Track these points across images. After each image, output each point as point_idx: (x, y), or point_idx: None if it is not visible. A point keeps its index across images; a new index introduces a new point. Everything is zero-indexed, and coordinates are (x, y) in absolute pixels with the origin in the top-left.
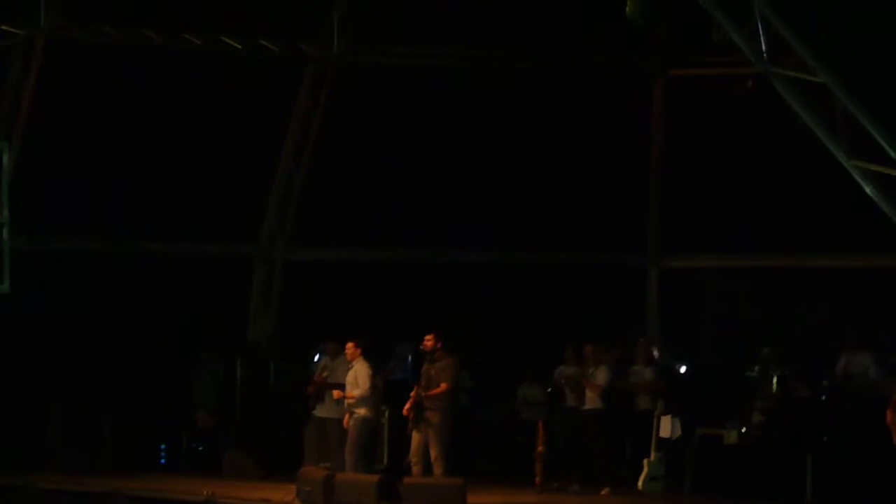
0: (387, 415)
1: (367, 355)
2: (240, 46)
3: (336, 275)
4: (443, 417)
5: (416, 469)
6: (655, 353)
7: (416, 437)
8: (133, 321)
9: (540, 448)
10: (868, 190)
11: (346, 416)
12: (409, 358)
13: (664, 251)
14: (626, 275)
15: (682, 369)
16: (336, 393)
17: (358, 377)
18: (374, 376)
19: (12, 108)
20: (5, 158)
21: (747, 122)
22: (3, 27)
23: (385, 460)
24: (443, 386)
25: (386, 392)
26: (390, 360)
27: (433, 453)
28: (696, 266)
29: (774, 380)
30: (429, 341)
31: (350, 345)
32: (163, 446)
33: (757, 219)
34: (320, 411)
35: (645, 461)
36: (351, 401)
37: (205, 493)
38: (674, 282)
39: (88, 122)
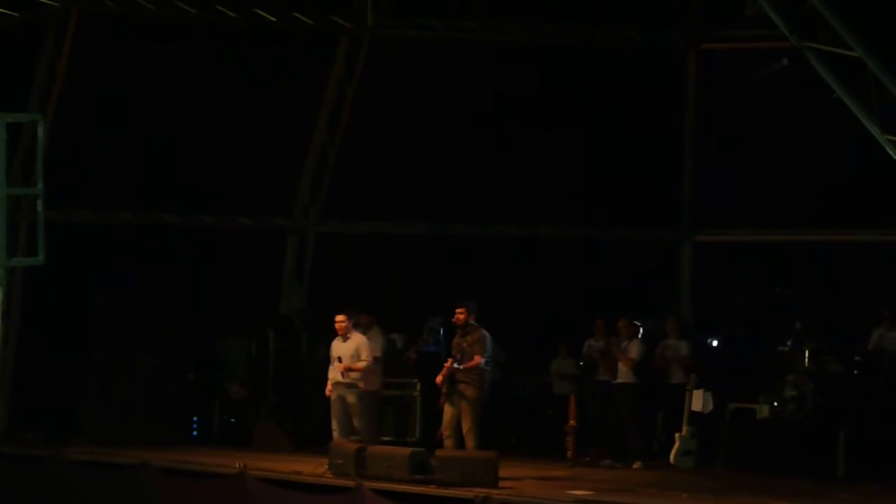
0: (419, 388)
1: (385, 328)
2: (274, 19)
3: (368, 247)
4: (476, 391)
5: (448, 442)
6: (684, 327)
7: (448, 410)
8: (166, 294)
9: (572, 422)
10: None
11: (329, 385)
12: (441, 331)
13: (697, 226)
14: (659, 249)
15: (715, 343)
16: (339, 366)
17: (359, 350)
18: (375, 348)
19: (47, 80)
20: (40, 131)
21: (781, 97)
22: None
23: (417, 433)
24: (476, 359)
25: (418, 365)
26: (422, 332)
27: (465, 426)
28: (729, 240)
29: (807, 354)
30: (461, 314)
31: (340, 318)
32: (195, 419)
33: (791, 193)
34: None
35: (677, 435)
36: (355, 375)
37: (237, 465)
38: (707, 256)
39: (120, 94)
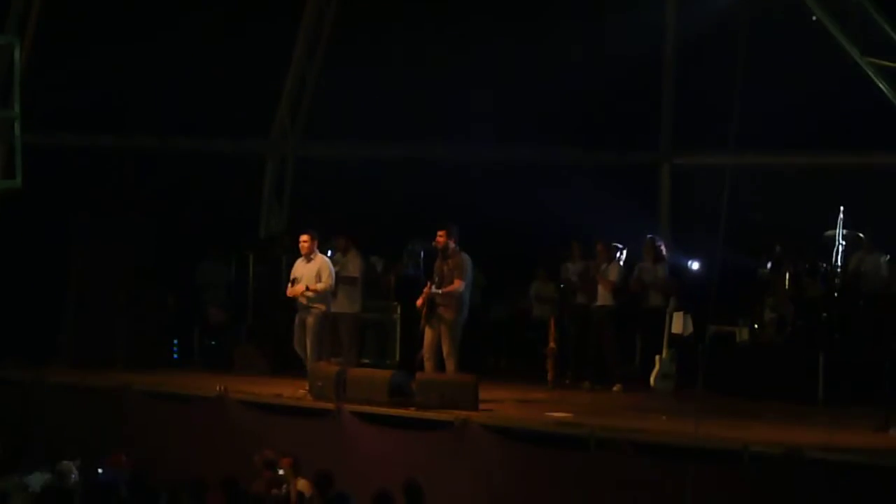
0: (399, 311)
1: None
2: None
3: (348, 171)
4: (455, 314)
5: (428, 365)
6: (664, 249)
7: (428, 334)
8: (144, 217)
9: (551, 345)
10: (882, 86)
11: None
12: (421, 254)
13: (676, 148)
14: (638, 172)
15: (695, 266)
16: (298, 289)
17: (321, 272)
18: (353, 269)
19: (25, 3)
20: (17, 54)
21: (761, 19)
22: None
23: (397, 356)
24: (456, 283)
25: (398, 288)
26: (402, 255)
27: (445, 349)
28: (708, 163)
29: (787, 277)
30: (441, 237)
31: (304, 237)
32: (175, 342)
33: (771, 116)
34: (332, 306)
35: (657, 358)
36: (310, 294)
37: (217, 388)
38: (686, 179)
39: (97, 15)
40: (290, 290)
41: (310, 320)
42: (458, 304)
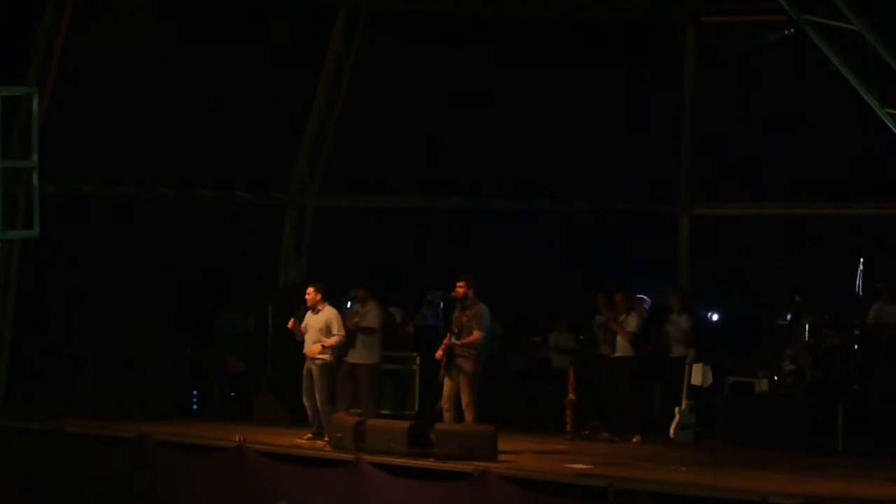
0: (418, 361)
1: (384, 301)
2: None
3: (367, 221)
4: (474, 364)
5: (447, 416)
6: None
7: (447, 384)
8: (164, 268)
9: (571, 395)
10: None
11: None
12: (440, 304)
13: (695, 199)
14: (657, 223)
15: (714, 317)
16: (315, 348)
17: (329, 323)
18: (372, 321)
19: (45, 53)
20: (35, 104)
21: (780, 70)
22: None
23: (416, 407)
24: (476, 334)
25: (417, 338)
26: (421, 306)
27: (465, 400)
28: (727, 214)
29: (806, 328)
30: (460, 288)
31: (309, 289)
32: (195, 392)
33: (789, 167)
34: (351, 357)
35: (676, 409)
36: (325, 357)
37: (236, 438)
38: (705, 230)
39: (119, 67)
40: (307, 349)
41: (315, 371)
42: (477, 355)
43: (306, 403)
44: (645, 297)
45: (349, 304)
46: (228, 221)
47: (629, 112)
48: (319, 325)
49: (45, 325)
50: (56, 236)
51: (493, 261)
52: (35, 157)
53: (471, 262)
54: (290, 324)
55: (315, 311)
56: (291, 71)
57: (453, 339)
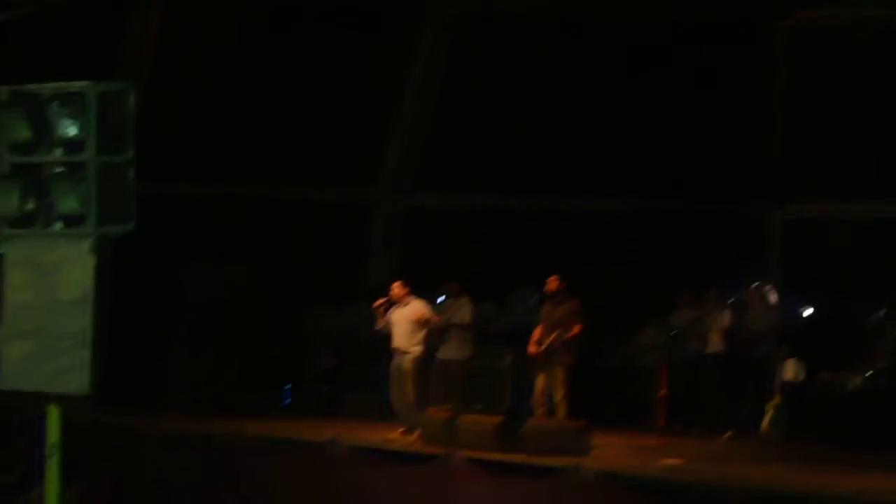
0: (509, 357)
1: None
2: None
3: (458, 220)
4: (569, 360)
5: (539, 411)
6: (772, 297)
7: (540, 379)
8: (257, 265)
9: (662, 391)
10: None
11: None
12: (532, 300)
13: (786, 199)
14: (747, 222)
15: (807, 313)
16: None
17: (423, 312)
18: (465, 317)
19: (140, 51)
20: (130, 100)
21: (872, 69)
22: None
23: (508, 402)
24: (576, 327)
25: (508, 335)
26: (512, 302)
27: (558, 395)
28: (817, 214)
29: None
30: (553, 283)
31: (395, 284)
32: (288, 388)
33: (882, 165)
34: (443, 353)
35: (768, 405)
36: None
37: (328, 433)
38: (801, 227)
39: (213, 65)
40: (396, 343)
41: (405, 364)
42: (571, 351)
43: (394, 398)
44: (729, 292)
45: (439, 300)
46: (321, 219)
47: (718, 112)
48: (408, 318)
49: (138, 322)
50: (150, 234)
51: (583, 258)
52: (130, 152)
53: (561, 260)
54: (378, 304)
55: (402, 304)
56: (383, 65)
57: (545, 335)
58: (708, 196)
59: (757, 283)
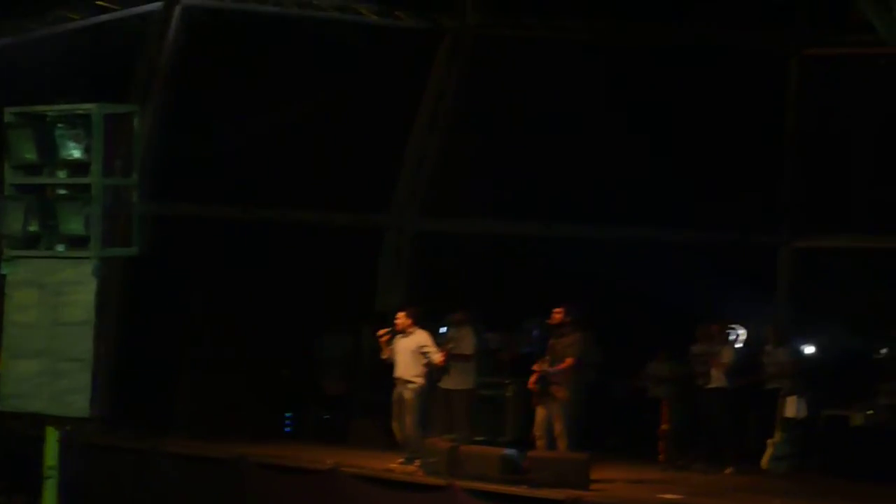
0: (512, 388)
1: (482, 326)
2: (376, 16)
3: (466, 246)
4: (568, 392)
5: (540, 443)
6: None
7: (540, 412)
8: (263, 288)
9: (664, 425)
10: None
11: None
12: (537, 332)
13: (796, 231)
14: (758, 254)
15: (810, 349)
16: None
17: (421, 345)
18: (467, 346)
19: (149, 73)
20: (137, 123)
21: (883, 103)
22: None
23: (510, 433)
24: (568, 361)
25: (513, 366)
26: (518, 332)
27: (557, 428)
28: (828, 246)
29: None
30: (557, 314)
31: (400, 314)
32: (288, 414)
33: (891, 199)
34: (445, 383)
35: (770, 441)
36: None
37: (329, 461)
38: (805, 261)
39: (223, 86)
40: (398, 373)
41: (407, 395)
42: (571, 383)
43: (396, 428)
44: (738, 327)
45: (442, 330)
46: (329, 244)
47: (730, 142)
48: (411, 348)
49: (145, 344)
50: (157, 256)
51: (593, 288)
52: (135, 175)
53: (571, 290)
54: (381, 333)
55: (405, 334)
56: (396, 94)
57: (546, 367)
58: (723, 227)
59: (771, 319)
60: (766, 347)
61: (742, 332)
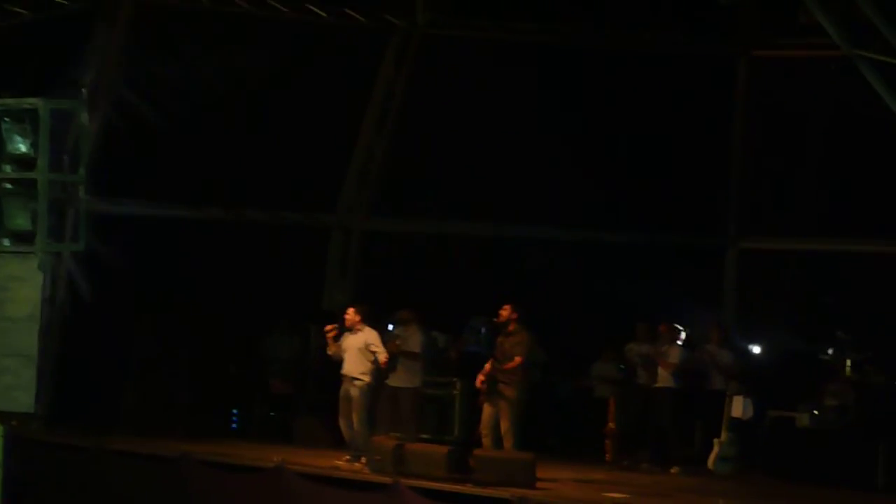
0: (459, 387)
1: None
2: (325, 15)
3: (413, 245)
4: (515, 391)
5: (486, 441)
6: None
7: (487, 410)
8: (211, 286)
9: (611, 425)
10: None
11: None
12: (483, 330)
13: (743, 232)
14: (704, 255)
15: (756, 350)
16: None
17: (368, 343)
18: (414, 345)
19: (98, 69)
20: (84, 118)
21: (830, 105)
22: None
23: (456, 432)
24: (516, 359)
25: (459, 364)
26: (464, 331)
27: (503, 426)
28: (774, 248)
29: (849, 364)
30: (504, 313)
31: (349, 310)
32: (235, 411)
33: (837, 202)
34: (392, 380)
35: (716, 441)
36: (362, 373)
37: (275, 459)
38: (751, 263)
39: (174, 88)
40: (345, 370)
41: (354, 392)
42: (519, 382)
43: (342, 425)
44: (680, 326)
45: (390, 327)
46: (276, 243)
47: (678, 144)
48: (359, 345)
49: (90, 341)
50: (103, 253)
51: (538, 288)
52: (81, 170)
53: (516, 290)
54: (328, 329)
55: (353, 331)
56: (343, 93)
57: (494, 365)
58: (669, 228)
59: (714, 319)
60: (708, 347)
61: (683, 333)
